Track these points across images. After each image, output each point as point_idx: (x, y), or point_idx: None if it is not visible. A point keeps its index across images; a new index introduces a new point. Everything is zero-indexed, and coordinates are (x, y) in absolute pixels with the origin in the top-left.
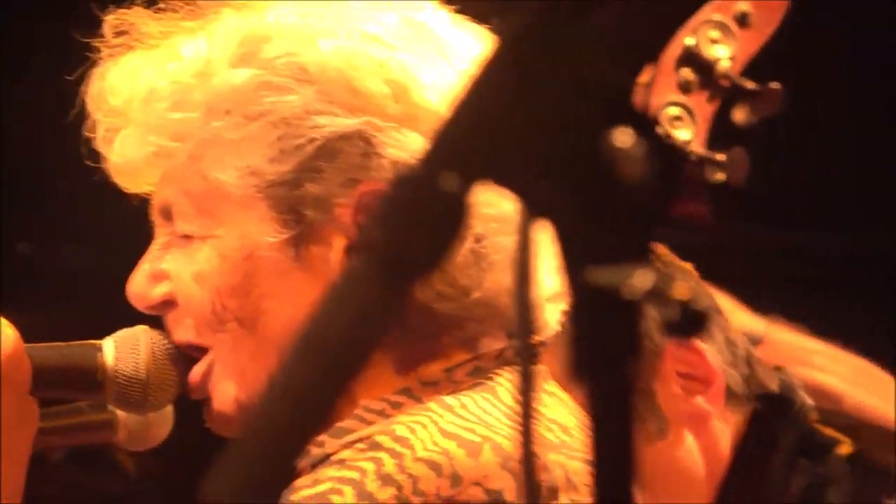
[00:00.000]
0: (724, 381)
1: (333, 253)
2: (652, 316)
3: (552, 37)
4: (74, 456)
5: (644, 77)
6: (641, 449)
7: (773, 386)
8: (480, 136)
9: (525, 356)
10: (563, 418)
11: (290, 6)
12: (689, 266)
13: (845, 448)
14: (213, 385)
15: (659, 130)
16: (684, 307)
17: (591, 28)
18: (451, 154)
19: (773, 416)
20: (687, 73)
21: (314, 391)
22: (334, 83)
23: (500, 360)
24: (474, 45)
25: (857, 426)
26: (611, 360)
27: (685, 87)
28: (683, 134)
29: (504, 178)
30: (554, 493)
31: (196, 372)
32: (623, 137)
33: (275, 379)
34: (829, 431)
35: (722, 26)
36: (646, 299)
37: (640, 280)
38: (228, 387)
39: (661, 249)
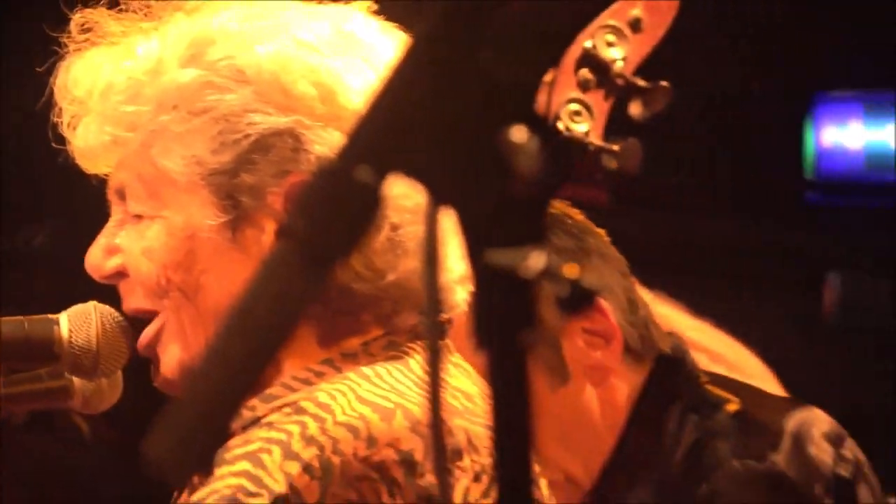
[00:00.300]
0: (624, 338)
1: (265, 236)
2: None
3: (455, 41)
4: (35, 421)
5: (547, 77)
6: (547, 396)
7: (667, 348)
8: (392, 132)
9: (433, 332)
10: (467, 387)
11: (233, 13)
12: (602, 231)
13: (732, 406)
14: (160, 346)
15: (559, 125)
16: (574, 285)
17: (491, 32)
18: (366, 148)
19: (668, 375)
20: (585, 73)
21: (242, 359)
22: (268, 85)
23: (412, 335)
24: (394, 50)
25: (741, 388)
26: (509, 333)
27: (584, 86)
28: (582, 127)
29: (412, 171)
30: (458, 454)
31: (147, 332)
32: (518, 133)
33: (209, 347)
34: (717, 391)
35: (617, 30)
36: (540, 278)
37: (535, 261)
38: (173, 348)
39: (577, 214)
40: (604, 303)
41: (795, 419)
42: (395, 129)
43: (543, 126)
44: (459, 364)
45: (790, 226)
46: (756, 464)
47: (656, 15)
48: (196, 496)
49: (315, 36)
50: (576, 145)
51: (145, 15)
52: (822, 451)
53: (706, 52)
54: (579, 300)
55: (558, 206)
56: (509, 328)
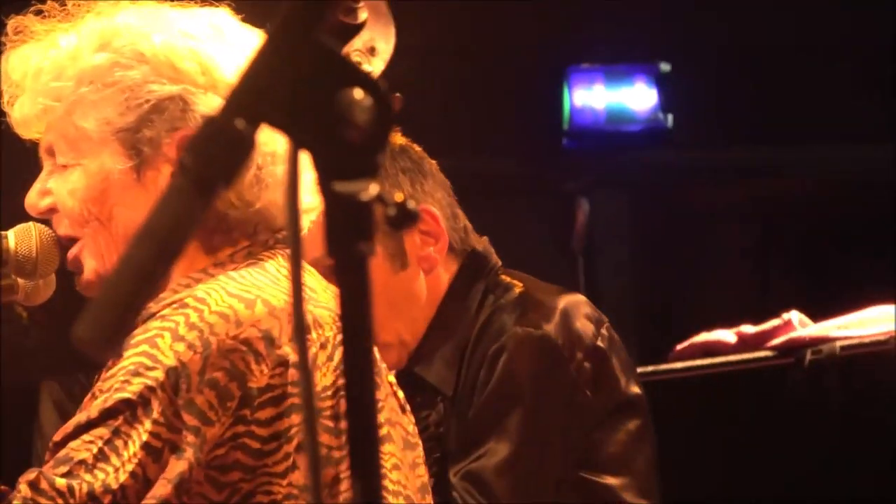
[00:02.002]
0: (448, 239)
1: (162, 176)
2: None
3: (303, 26)
4: None
5: None
6: (390, 277)
7: (479, 247)
8: (260, 92)
9: (295, 242)
10: (312, 283)
11: (133, 13)
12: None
13: (518, 288)
14: (82, 261)
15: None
16: (400, 206)
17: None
18: (241, 104)
19: (475, 265)
20: None
21: (146, 261)
22: (162, 63)
23: (266, 246)
24: (253, 38)
25: (526, 278)
26: (351, 244)
27: None
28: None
29: (277, 122)
30: (308, 329)
31: (72, 252)
32: (356, 92)
33: (123, 253)
34: (508, 278)
35: (362, 53)
36: (374, 202)
37: (371, 189)
38: (91, 262)
39: (417, 147)
40: (436, 211)
41: (565, 300)
42: (263, 90)
43: (374, 88)
44: (305, 267)
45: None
46: (533, 330)
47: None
48: (110, 372)
49: (195, 27)
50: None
51: (63, 17)
52: (584, 327)
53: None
54: (404, 218)
55: (404, 141)
56: (352, 240)
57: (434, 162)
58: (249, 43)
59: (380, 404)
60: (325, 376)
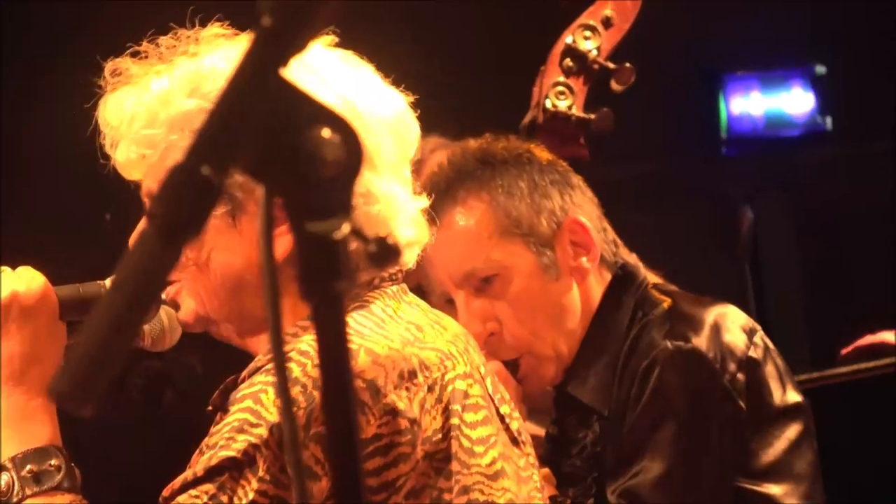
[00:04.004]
0: (600, 250)
1: (255, 220)
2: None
3: (267, 66)
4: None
5: (544, 67)
6: (545, 289)
7: (631, 260)
8: (226, 137)
9: (274, 307)
10: (418, 319)
11: (221, 55)
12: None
13: (666, 304)
14: (180, 302)
15: (547, 104)
16: (380, 242)
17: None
18: (206, 149)
19: (626, 280)
20: (568, 63)
21: (119, 310)
22: None
23: (371, 286)
24: (351, 77)
25: (675, 293)
26: (327, 282)
27: (567, 72)
28: (564, 103)
29: (244, 167)
30: (413, 374)
31: (169, 293)
32: (326, 131)
33: (97, 306)
34: (657, 294)
35: (591, 27)
36: (350, 238)
37: (344, 227)
38: (190, 303)
39: (563, 164)
40: (586, 222)
41: (714, 312)
42: (229, 134)
43: (341, 124)
44: (412, 301)
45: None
46: (683, 344)
47: (623, 11)
48: (216, 427)
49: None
50: (560, 116)
51: (159, 58)
52: (735, 338)
53: (654, 49)
54: (386, 253)
55: (551, 156)
56: (327, 280)
57: (580, 176)
58: (345, 83)
59: (492, 439)
60: (435, 419)
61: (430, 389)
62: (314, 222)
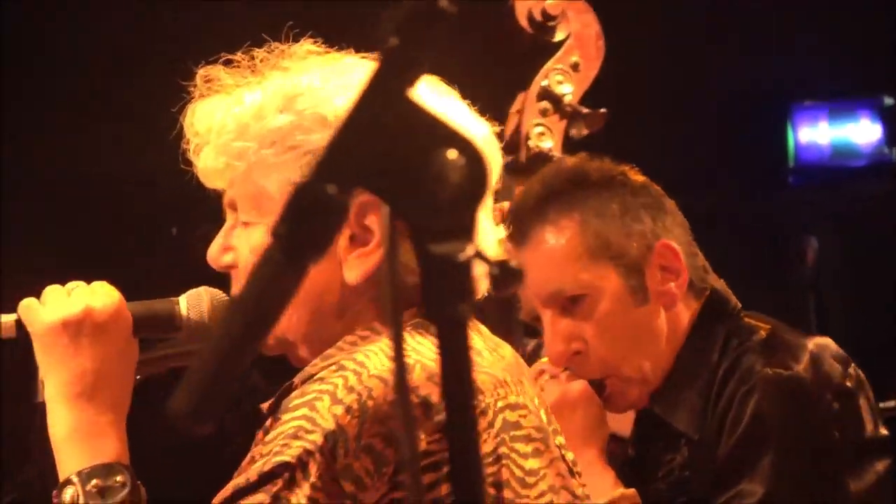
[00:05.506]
0: (689, 276)
1: (341, 238)
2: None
3: (392, 90)
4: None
5: (515, 107)
6: (632, 312)
7: (719, 286)
8: (352, 156)
9: (395, 318)
10: (477, 344)
11: (317, 73)
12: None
13: (763, 331)
14: None
15: (530, 144)
16: (502, 265)
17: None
18: (332, 168)
19: (717, 306)
20: (544, 104)
21: (239, 331)
22: None
23: None
24: (445, 98)
25: (768, 320)
26: (451, 305)
27: (544, 113)
28: (547, 143)
29: (370, 186)
30: None
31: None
32: (451, 153)
33: (218, 325)
34: (751, 321)
35: (563, 72)
36: (473, 260)
37: (469, 249)
38: None
39: (655, 185)
40: (676, 247)
41: (813, 341)
42: (354, 153)
43: (466, 147)
44: (474, 326)
45: (778, 202)
46: (783, 371)
47: (588, 58)
48: (269, 435)
49: None
50: (545, 158)
51: (252, 71)
52: (832, 368)
53: (722, 78)
54: (508, 277)
55: (644, 179)
56: (451, 302)
57: (673, 201)
58: (441, 104)
59: (542, 472)
60: (486, 443)
61: (483, 413)
62: (437, 244)
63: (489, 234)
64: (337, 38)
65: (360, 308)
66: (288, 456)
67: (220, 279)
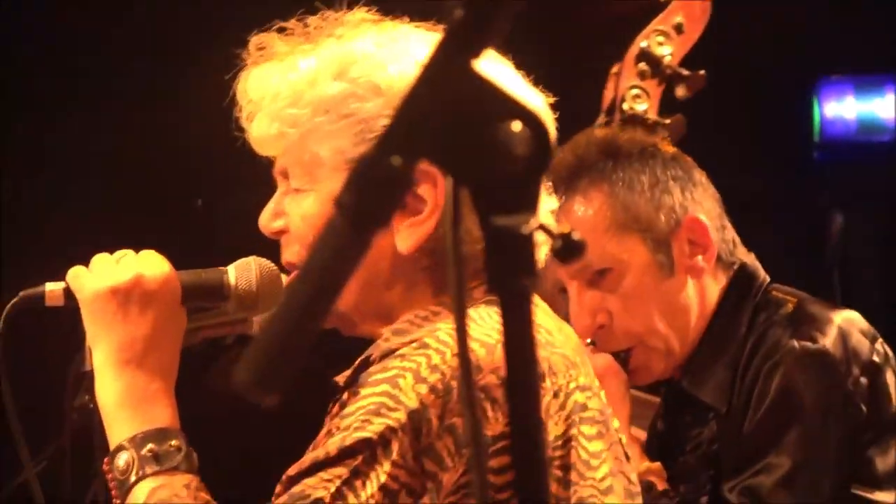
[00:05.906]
0: (717, 250)
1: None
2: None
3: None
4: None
5: (614, 69)
6: (658, 285)
7: (749, 260)
8: (417, 128)
9: (459, 290)
10: (546, 322)
11: (371, 39)
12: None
13: (791, 305)
14: None
15: (625, 106)
16: (565, 237)
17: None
18: (397, 140)
19: (745, 280)
20: (643, 66)
21: (306, 301)
22: (396, 97)
23: None
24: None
25: (796, 294)
26: (515, 278)
27: (642, 75)
28: (642, 106)
29: (434, 158)
30: (542, 377)
31: (291, 279)
32: (516, 126)
33: (284, 294)
34: (779, 294)
35: (664, 33)
36: (537, 232)
37: (532, 222)
38: None
39: (687, 157)
40: (705, 221)
41: (841, 315)
42: (419, 125)
43: (531, 119)
44: (538, 304)
45: (803, 178)
46: (810, 344)
47: (693, 20)
48: (347, 409)
49: None
50: (638, 119)
51: (305, 38)
52: (860, 343)
53: (745, 51)
54: (571, 249)
55: (676, 151)
56: (514, 275)
57: (704, 172)
58: (495, 72)
59: (604, 454)
60: (557, 425)
61: (556, 395)
62: (501, 216)
63: (545, 205)
64: (391, 6)
65: (412, 278)
66: (370, 432)
67: (238, 252)
